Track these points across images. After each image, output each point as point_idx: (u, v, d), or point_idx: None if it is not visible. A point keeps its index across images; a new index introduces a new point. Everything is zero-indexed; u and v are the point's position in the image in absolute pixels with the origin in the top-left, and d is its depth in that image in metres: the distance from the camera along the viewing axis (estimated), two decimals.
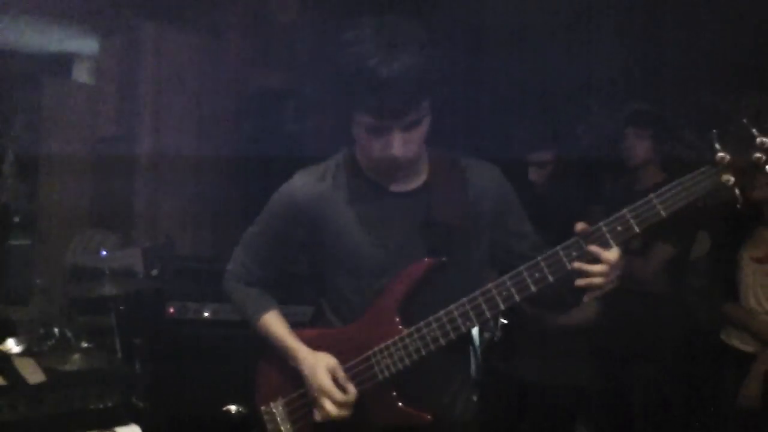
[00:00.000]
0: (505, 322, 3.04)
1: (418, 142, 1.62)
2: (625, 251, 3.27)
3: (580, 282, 1.52)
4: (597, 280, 1.52)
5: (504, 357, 3.13)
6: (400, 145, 1.58)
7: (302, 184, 1.78)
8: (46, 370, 2.65)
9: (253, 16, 4.92)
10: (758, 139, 1.45)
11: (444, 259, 1.65)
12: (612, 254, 1.52)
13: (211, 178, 4.61)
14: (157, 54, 4.59)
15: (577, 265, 1.52)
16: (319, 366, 1.71)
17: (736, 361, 3.01)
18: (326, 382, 1.68)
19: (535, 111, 4.38)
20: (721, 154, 1.48)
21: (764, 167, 1.47)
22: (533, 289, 1.55)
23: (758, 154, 1.46)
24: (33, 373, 2.45)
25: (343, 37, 1.55)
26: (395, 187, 1.73)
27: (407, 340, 1.64)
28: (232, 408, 3.18)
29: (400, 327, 1.65)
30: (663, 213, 1.48)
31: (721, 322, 3.14)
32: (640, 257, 3.25)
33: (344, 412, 1.67)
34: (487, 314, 1.59)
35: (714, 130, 1.50)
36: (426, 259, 1.66)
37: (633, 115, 3.56)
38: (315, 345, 1.77)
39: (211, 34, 4.78)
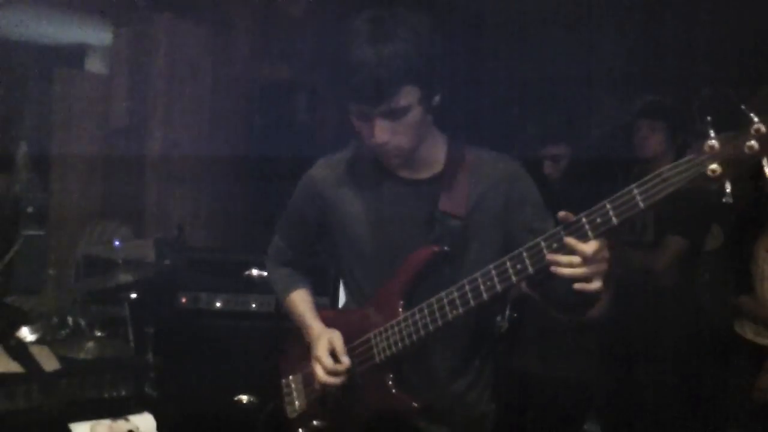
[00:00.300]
0: (515, 315, 3.03)
1: (409, 131, 1.63)
2: (638, 244, 3.29)
3: (556, 270, 1.46)
4: (567, 271, 1.44)
5: (509, 350, 3.13)
6: (384, 132, 1.59)
7: (321, 168, 1.87)
8: (61, 359, 2.68)
9: (264, 9, 4.92)
10: (755, 126, 1.31)
11: (446, 249, 1.66)
12: (588, 246, 1.43)
13: (223, 169, 4.62)
14: (169, 46, 4.59)
15: (549, 256, 1.46)
16: (321, 338, 1.78)
17: (750, 354, 3.00)
18: (321, 351, 1.75)
19: (549, 104, 4.37)
20: (711, 142, 1.34)
21: (756, 156, 1.31)
22: (514, 280, 1.51)
23: (752, 142, 1.31)
24: (48, 361, 2.47)
25: (338, 29, 1.60)
26: (407, 174, 1.76)
27: (402, 324, 1.67)
28: (244, 398, 3.21)
29: (399, 311, 1.68)
30: (641, 205, 1.37)
31: (734, 314, 3.14)
32: (652, 250, 3.25)
33: (333, 380, 1.72)
34: (472, 303, 1.57)
35: (708, 117, 1.38)
36: (428, 248, 1.68)
37: (646, 106, 3.55)
38: (329, 325, 1.83)
39: (222, 26, 4.78)
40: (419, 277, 1.69)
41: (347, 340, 1.76)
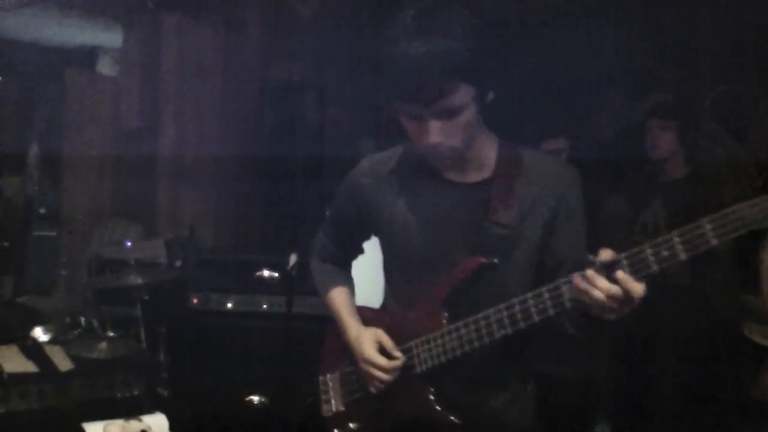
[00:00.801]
0: None
1: (462, 131, 1.55)
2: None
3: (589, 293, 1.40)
4: (600, 299, 1.39)
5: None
6: (437, 133, 1.52)
7: (366, 166, 1.81)
8: (73, 358, 2.69)
9: (274, 9, 4.93)
10: None
11: (495, 261, 1.60)
12: (638, 288, 1.38)
13: (233, 169, 4.63)
14: (179, 47, 4.61)
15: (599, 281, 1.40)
16: (364, 337, 1.73)
17: (757, 356, 2.99)
18: (369, 350, 1.69)
19: (548, 100, 4.36)
20: None
21: None
22: (567, 305, 1.48)
23: None
24: (62, 361, 2.48)
25: (384, 25, 1.52)
26: (454, 177, 1.68)
27: (446, 338, 1.62)
28: (255, 398, 3.22)
29: (443, 322, 1.63)
30: (713, 242, 1.30)
31: (742, 314, 3.12)
32: None
33: (390, 378, 1.67)
34: (522, 324, 1.52)
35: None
36: (476, 259, 1.61)
37: (657, 106, 3.53)
38: (369, 324, 1.78)
39: (232, 26, 4.80)
40: (465, 288, 1.63)
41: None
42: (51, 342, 2.87)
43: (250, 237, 4.52)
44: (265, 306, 3.43)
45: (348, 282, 1.97)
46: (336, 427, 1.81)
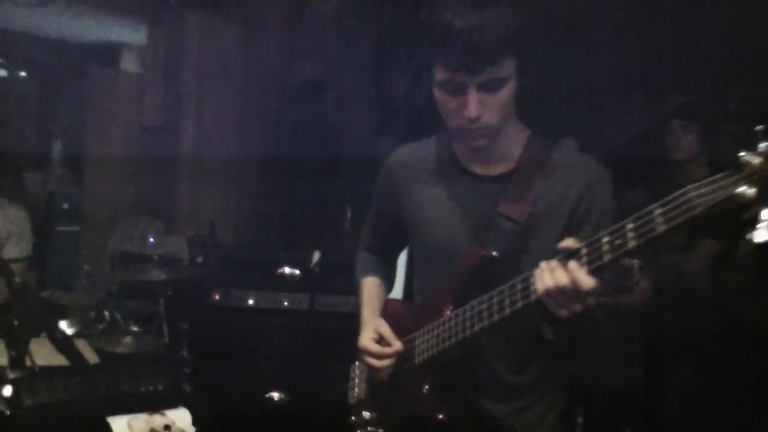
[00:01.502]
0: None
1: (501, 108, 1.54)
2: (671, 246, 3.26)
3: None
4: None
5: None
6: (477, 105, 1.50)
7: (399, 154, 1.83)
8: (98, 352, 2.73)
9: (295, 8, 4.95)
10: None
11: (494, 254, 1.57)
12: (586, 280, 1.31)
13: (254, 167, 4.66)
14: (201, 45, 4.65)
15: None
16: (366, 327, 1.77)
17: None
18: (364, 340, 1.73)
19: (559, 101, 4.34)
20: (748, 155, 1.08)
21: None
22: (533, 299, 1.41)
23: None
24: (87, 355, 2.51)
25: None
26: (479, 170, 1.68)
27: (440, 328, 1.61)
28: (275, 395, 3.23)
29: (446, 314, 1.61)
30: (661, 228, 1.20)
31: (766, 317, 3.11)
32: (684, 252, 3.22)
33: (380, 364, 1.69)
34: (495, 317, 1.47)
35: (760, 127, 1.10)
36: (476, 252, 1.60)
37: (679, 107, 3.51)
38: (388, 315, 1.81)
39: (254, 25, 4.82)
40: (471, 282, 1.61)
41: (399, 335, 1.71)
42: (75, 336, 2.91)
43: (271, 234, 4.55)
44: (286, 303, 3.45)
45: (381, 272, 1.98)
46: (354, 415, 1.83)
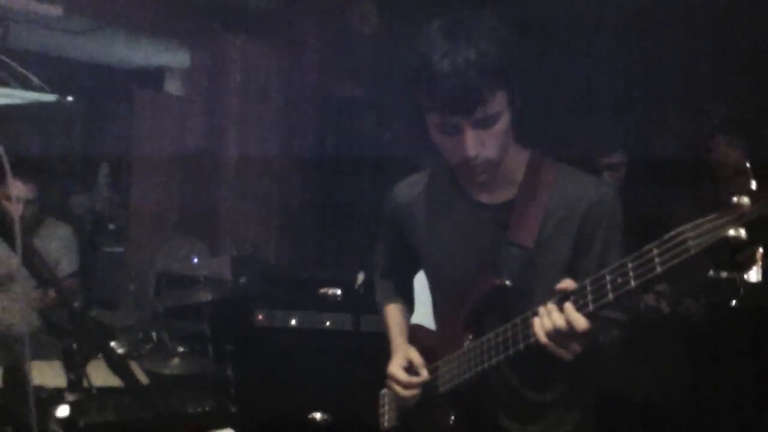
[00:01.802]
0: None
1: (498, 141, 1.52)
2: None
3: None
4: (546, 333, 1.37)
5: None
6: (474, 143, 1.49)
7: (400, 189, 1.84)
8: (147, 373, 2.77)
9: (334, 27, 5.01)
10: None
11: (508, 282, 1.56)
12: (580, 322, 1.34)
13: (294, 186, 4.71)
14: (242, 66, 4.74)
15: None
16: (396, 354, 1.78)
17: None
18: (393, 365, 1.74)
19: (606, 112, 4.30)
20: (739, 198, 1.07)
21: None
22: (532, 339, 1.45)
23: None
24: (139, 377, 2.55)
25: (412, 39, 1.51)
26: (485, 198, 1.66)
27: (462, 359, 1.62)
28: (318, 416, 3.25)
29: (465, 343, 1.63)
30: (658, 269, 1.20)
31: None
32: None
33: (407, 393, 1.70)
34: (510, 350, 1.48)
35: (748, 163, 1.10)
36: (490, 280, 1.58)
37: (724, 122, 3.46)
38: (413, 342, 1.82)
39: (293, 46, 4.89)
40: (483, 310, 1.61)
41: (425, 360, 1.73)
42: (124, 356, 2.96)
43: (312, 254, 4.58)
44: (328, 323, 3.47)
45: (402, 298, 2.00)
46: None
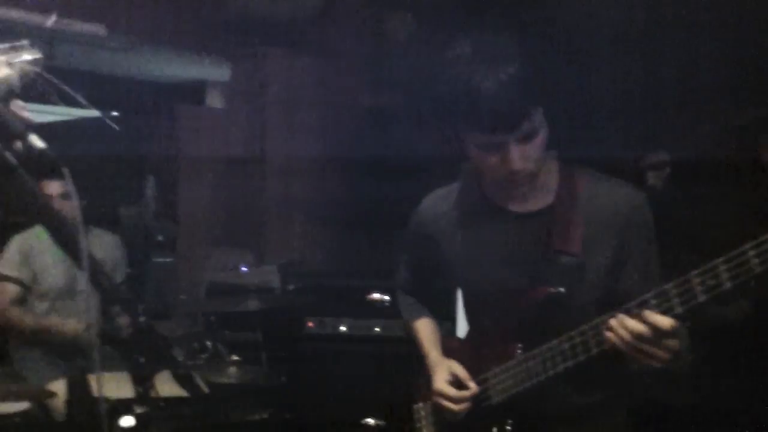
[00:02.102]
0: None
1: (536, 155, 1.56)
2: None
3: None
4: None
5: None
6: (519, 158, 1.52)
7: (428, 204, 1.86)
8: (206, 383, 2.84)
9: (370, 36, 5.06)
10: None
11: (561, 290, 1.58)
12: (665, 322, 1.39)
13: (339, 195, 4.76)
14: (282, 78, 4.82)
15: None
16: (438, 369, 1.78)
17: None
18: (440, 382, 1.74)
19: (649, 112, 4.27)
20: None
21: None
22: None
23: None
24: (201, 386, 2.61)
25: (444, 59, 1.53)
26: (516, 207, 1.68)
27: (517, 369, 1.63)
28: (371, 421, 3.28)
29: (517, 353, 1.64)
30: (757, 269, 1.26)
31: None
32: None
33: (460, 408, 1.70)
34: (581, 357, 1.52)
35: None
36: (543, 289, 1.60)
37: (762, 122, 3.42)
38: (450, 354, 1.82)
39: (331, 56, 4.95)
40: (535, 319, 1.62)
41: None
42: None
43: (360, 261, 4.63)
44: (377, 329, 3.51)
45: (430, 313, 2.01)
46: None
